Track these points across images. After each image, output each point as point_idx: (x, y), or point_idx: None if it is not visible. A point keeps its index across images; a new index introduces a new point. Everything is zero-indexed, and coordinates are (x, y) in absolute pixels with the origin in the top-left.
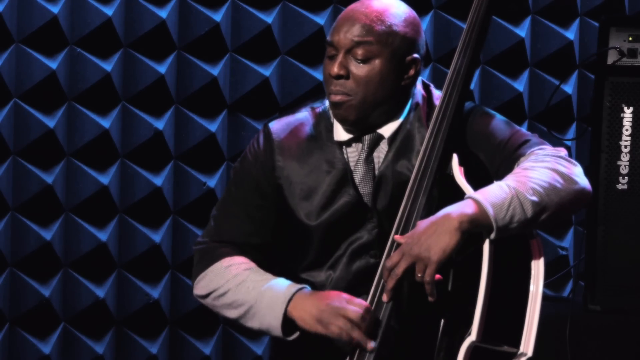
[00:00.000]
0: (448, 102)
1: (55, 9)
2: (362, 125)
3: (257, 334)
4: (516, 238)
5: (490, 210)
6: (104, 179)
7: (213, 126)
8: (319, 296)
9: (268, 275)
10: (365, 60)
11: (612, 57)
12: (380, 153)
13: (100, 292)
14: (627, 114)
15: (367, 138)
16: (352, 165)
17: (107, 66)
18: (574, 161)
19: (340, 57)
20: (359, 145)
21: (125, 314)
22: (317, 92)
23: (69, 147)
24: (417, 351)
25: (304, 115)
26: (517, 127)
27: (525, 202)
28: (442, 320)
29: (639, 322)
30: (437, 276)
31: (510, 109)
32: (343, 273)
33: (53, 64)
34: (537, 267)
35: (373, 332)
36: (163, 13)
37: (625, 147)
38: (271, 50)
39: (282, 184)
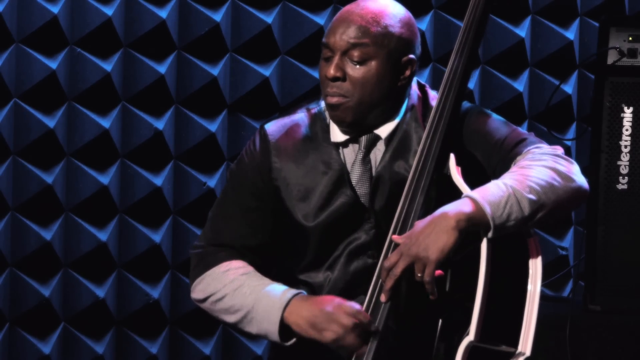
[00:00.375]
0: (445, 102)
1: (55, 9)
2: (359, 127)
3: (265, 339)
4: (514, 237)
5: (488, 209)
6: (104, 179)
7: (213, 126)
8: (313, 301)
9: (265, 280)
10: (361, 62)
11: (612, 57)
12: (377, 154)
13: (100, 292)
14: (627, 114)
15: (363, 139)
16: (349, 166)
17: (107, 66)
18: (571, 159)
19: (336, 59)
20: (356, 146)
21: (125, 314)
22: (317, 92)
23: (69, 147)
24: (415, 351)
25: (299, 116)
26: (514, 127)
27: (522, 200)
28: (440, 320)
29: (639, 322)
30: (438, 272)
31: (510, 109)
32: (341, 274)
33: (53, 64)
34: (535, 266)
35: (368, 336)
36: (163, 13)
37: (625, 147)
38: (271, 50)
39: (279, 186)
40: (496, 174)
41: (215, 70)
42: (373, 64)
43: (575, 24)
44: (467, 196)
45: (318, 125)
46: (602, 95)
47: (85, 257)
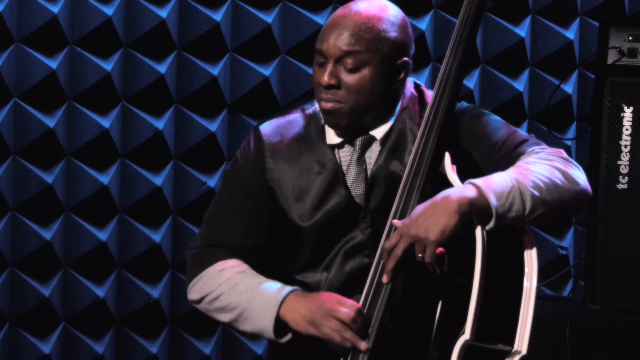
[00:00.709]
0: (440, 100)
1: (55, 9)
2: (354, 129)
3: (256, 335)
4: (509, 234)
5: (491, 196)
6: (104, 179)
7: (213, 126)
8: (310, 298)
9: (261, 278)
10: (355, 70)
11: (612, 57)
12: (373, 154)
13: (100, 292)
14: (627, 113)
15: (359, 140)
16: (344, 166)
17: (107, 66)
18: (575, 162)
19: (330, 67)
20: (351, 147)
21: (125, 313)
22: None
23: (69, 147)
24: (411, 350)
25: (294, 116)
26: (514, 127)
27: (525, 193)
28: (436, 319)
29: (639, 322)
30: (440, 249)
31: (510, 109)
32: (337, 273)
33: (53, 64)
34: (531, 264)
35: (365, 332)
36: (163, 13)
37: (625, 147)
38: (271, 50)
39: (273, 187)
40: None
41: (215, 70)
42: (367, 70)
43: (575, 24)
44: (471, 182)
45: (313, 125)
46: (602, 95)
47: (85, 257)
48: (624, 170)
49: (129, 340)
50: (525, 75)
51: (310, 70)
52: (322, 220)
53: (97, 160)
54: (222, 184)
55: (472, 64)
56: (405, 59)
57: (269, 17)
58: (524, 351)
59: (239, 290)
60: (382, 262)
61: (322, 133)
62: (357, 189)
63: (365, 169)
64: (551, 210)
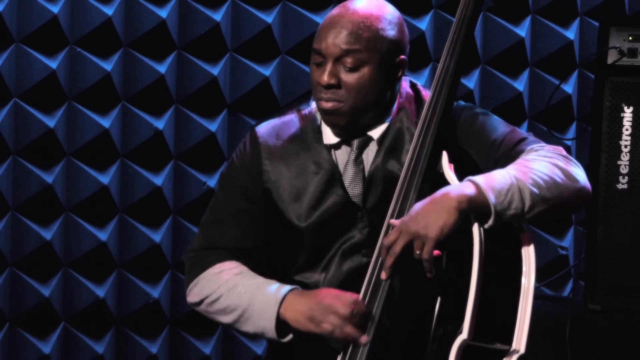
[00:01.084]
0: (437, 99)
1: (55, 9)
2: (352, 129)
3: (262, 337)
4: (506, 233)
5: (490, 194)
6: (104, 179)
7: (213, 126)
8: (309, 295)
9: (259, 279)
10: (354, 69)
11: (612, 57)
12: (370, 154)
13: (100, 292)
14: (627, 113)
15: (356, 140)
16: (341, 166)
17: (107, 66)
18: (575, 160)
19: (329, 66)
20: (348, 147)
21: (125, 313)
22: None
23: (69, 147)
24: (410, 348)
25: (290, 117)
26: (512, 126)
27: (524, 191)
28: (434, 317)
29: (639, 322)
30: (436, 252)
31: (510, 109)
32: (336, 273)
33: (53, 64)
34: (529, 262)
35: (365, 327)
36: (163, 13)
37: (625, 147)
38: (271, 50)
39: (269, 188)
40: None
41: (215, 70)
42: (367, 69)
43: (575, 24)
44: (470, 180)
45: (309, 126)
46: (602, 95)
47: (85, 257)
48: (624, 170)
49: (129, 340)
50: (525, 75)
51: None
52: (320, 221)
53: (97, 160)
54: (219, 187)
55: (469, 63)
56: (403, 57)
57: (269, 17)
58: (522, 350)
59: (238, 292)
60: (380, 259)
61: (319, 133)
62: (354, 189)
63: (363, 169)
64: (551, 207)
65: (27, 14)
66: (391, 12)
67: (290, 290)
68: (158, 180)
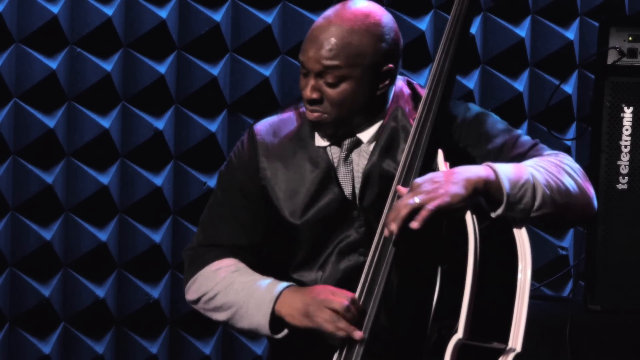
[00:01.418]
0: (432, 97)
1: (55, 9)
2: (340, 134)
3: (256, 334)
4: (502, 230)
5: (506, 182)
6: (104, 179)
7: (213, 126)
8: (305, 291)
9: (256, 276)
10: (336, 84)
11: (612, 57)
12: (360, 154)
13: (100, 292)
14: (627, 113)
15: (346, 142)
16: (335, 164)
17: (107, 66)
18: (585, 173)
19: (311, 81)
20: (339, 147)
21: (125, 314)
22: None
23: (69, 147)
24: (407, 347)
25: (288, 115)
26: (518, 130)
27: (537, 189)
28: (431, 315)
29: (639, 322)
30: (415, 224)
31: (510, 109)
32: (332, 272)
33: (53, 64)
34: (525, 259)
35: (360, 323)
36: (163, 13)
37: (625, 147)
38: (271, 50)
39: (266, 185)
40: None
41: (215, 70)
42: (348, 83)
43: (575, 24)
44: (488, 165)
45: (306, 124)
46: (602, 95)
47: (85, 257)
48: (624, 170)
49: (129, 340)
50: (525, 75)
51: None
52: (315, 218)
53: (97, 160)
54: (217, 185)
55: (468, 62)
56: (390, 65)
57: (269, 17)
58: (519, 348)
59: (234, 289)
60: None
61: (314, 132)
62: (345, 189)
63: (352, 169)
64: (556, 213)
65: (27, 14)
66: (376, 22)
67: (286, 287)
68: (158, 180)
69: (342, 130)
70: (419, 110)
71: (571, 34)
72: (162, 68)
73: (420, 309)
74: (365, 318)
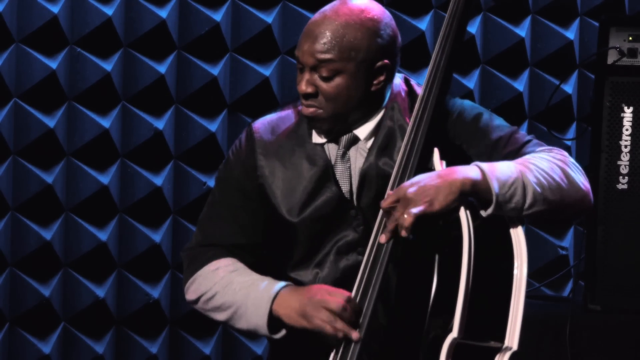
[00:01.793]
0: (428, 95)
1: (55, 9)
2: (337, 131)
3: (256, 334)
4: (497, 227)
5: (494, 182)
6: (104, 179)
7: (213, 126)
8: (302, 291)
9: (254, 275)
10: (330, 78)
11: (612, 57)
12: (358, 151)
13: (100, 292)
14: (627, 113)
15: (343, 139)
16: (333, 162)
17: (107, 66)
18: (580, 168)
19: (306, 75)
20: (336, 145)
21: (125, 314)
22: None
23: (69, 147)
24: (404, 345)
25: (287, 113)
26: (514, 126)
27: (527, 187)
28: (428, 313)
29: (639, 322)
30: (403, 233)
31: (510, 109)
32: (331, 271)
33: (53, 64)
34: (521, 257)
35: (357, 322)
36: (163, 13)
37: (625, 147)
38: (271, 50)
39: (263, 183)
40: None
41: (215, 70)
42: (342, 78)
43: (575, 24)
44: (477, 165)
45: (304, 122)
46: (602, 95)
47: (85, 257)
48: (624, 170)
49: (129, 340)
50: (525, 75)
51: None
52: (313, 216)
53: (97, 160)
54: (215, 184)
55: (463, 59)
56: (386, 61)
57: (269, 17)
58: (515, 347)
59: (233, 289)
60: (373, 253)
61: (311, 130)
62: (343, 187)
63: (349, 167)
64: (550, 209)
65: (27, 14)
66: (372, 17)
67: (283, 287)
68: (158, 180)
69: (338, 126)
70: (415, 109)
71: (571, 34)
72: (162, 68)
73: (417, 308)
74: (361, 320)
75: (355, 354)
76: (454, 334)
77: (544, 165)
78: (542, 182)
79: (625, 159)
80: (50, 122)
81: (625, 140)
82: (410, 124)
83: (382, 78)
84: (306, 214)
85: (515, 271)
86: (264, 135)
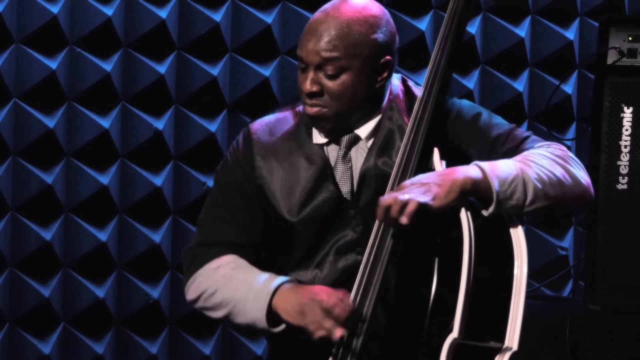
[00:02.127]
0: (428, 96)
1: (55, 9)
2: (339, 130)
3: (254, 331)
4: (498, 227)
5: (494, 181)
6: (104, 179)
7: (213, 126)
8: (302, 289)
9: (255, 271)
10: (335, 76)
11: (612, 57)
12: (358, 151)
13: (100, 292)
14: (627, 114)
15: (344, 139)
16: (332, 163)
17: (107, 66)
18: (579, 162)
19: (311, 74)
20: (337, 145)
21: (125, 314)
22: None
23: (69, 147)
24: (404, 345)
25: (285, 114)
26: (512, 124)
27: (528, 184)
28: (428, 313)
29: (639, 322)
30: (404, 219)
31: (510, 109)
32: (330, 271)
33: (53, 64)
34: (521, 257)
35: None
36: (163, 13)
37: (625, 147)
38: (271, 50)
39: (262, 184)
40: None
41: (215, 70)
42: (347, 75)
43: (575, 24)
44: (476, 164)
45: (302, 123)
46: (602, 95)
47: (85, 257)
48: (624, 170)
49: (129, 340)
50: (525, 75)
51: None
52: (311, 216)
53: (97, 160)
54: (214, 184)
55: (462, 59)
56: (388, 57)
57: (269, 17)
58: (515, 347)
59: (234, 285)
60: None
61: (311, 130)
62: (344, 187)
63: (351, 167)
64: (551, 205)
65: (27, 14)
66: (372, 14)
67: (284, 282)
68: (158, 180)
69: (341, 125)
70: (415, 109)
71: (571, 34)
72: (162, 68)
73: (417, 308)
74: (361, 317)
75: (355, 355)
76: (455, 334)
77: (544, 161)
78: (542, 178)
79: (625, 159)
80: (50, 122)
81: (625, 140)
82: (410, 123)
83: (385, 75)
84: (305, 213)
85: (516, 271)
86: (262, 137)
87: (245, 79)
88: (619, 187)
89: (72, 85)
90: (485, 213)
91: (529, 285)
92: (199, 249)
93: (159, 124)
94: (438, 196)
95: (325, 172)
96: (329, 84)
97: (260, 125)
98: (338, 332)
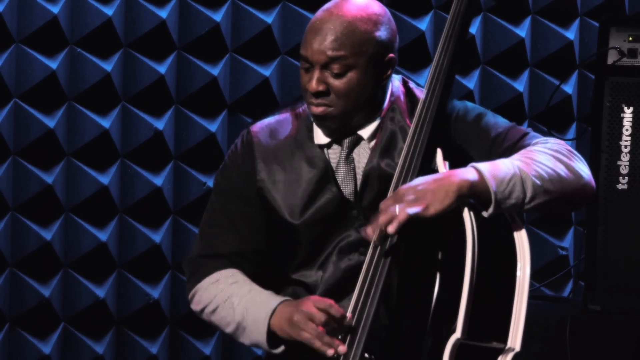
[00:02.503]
0: (431, 97)
1: (55, 9)
2: (343, 130)
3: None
4: (500, 228)
5: (491, 181)
6: (104, 179)
7: (213, 126)
8: (295, 304)
9: (253, 287)
10: (342, 74)
11: (612, 57)
12: (361, 152)
13: (100, 292)
14: (627, 114)
15: (347, 140)
16: (333, 165)
17: (107, 66)
18: (579, 155)
19: (316, 73)
20: (339, 146)
21: (125, 314)
22: None
23: (69, 147)
24: (407, 348)
25: (285, 116)
26: (512, 122)
27: (526, 181)
28: (430, 314)
29: (639, 322)
30: (392, 228)
31: (510, 109)
32: (333, 272)
33: (53, 64)
34: (524, 258)
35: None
36: (163, 13)
37: (625, 147)
38: (271, 50)
39: (262, 187)
40: None
41: (215, 70)
42: (354, 73)
43: (575, 24)
44: (473, 166)
45: (303, 125)
46: (602, 95)
47: (85, 257)
48: (624, 170)
49: (129, 340)
50: (525, 75)
51: None
52: (314, 218)
53: (97, 160)
54: (213, 190)
55: (467, 61)
56: (391, 55)
57: (269, 17)
58: (518, 348)
59: (232, 303)
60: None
61: (312, 132)
62: (347, 188)
63: (354, 168)
64: (552, 200)
65: (27, 14)
66: (376, 12)
67: (280, 303)
68: (158, 180)
69: (346, 125)
70: (418, 110)
71: (571, 34)
72: (162, 68)
73: (420, 308)
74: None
75: (357, 355)
76: (457, 334)
77: (542, 156)
78: (541, 174)
79: (625, 159)
80: (50, 122)
81: (625, 140)
82: (413, 125)
83: (388, 72)
84: (308, 215)
85: (518, 272)
86: (263, 139)
87: (246, 79)
88: (619, 187)
89: (72, 85)
90: (485, 214)
91: (529, 285)
92: (199, 261)
93: (159, 124)
94: (432, 204)
95: (327, 174)
96: (335, 82)
97: (261, 127)
98: (342, 348)
